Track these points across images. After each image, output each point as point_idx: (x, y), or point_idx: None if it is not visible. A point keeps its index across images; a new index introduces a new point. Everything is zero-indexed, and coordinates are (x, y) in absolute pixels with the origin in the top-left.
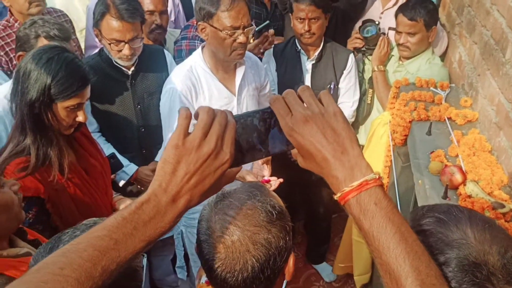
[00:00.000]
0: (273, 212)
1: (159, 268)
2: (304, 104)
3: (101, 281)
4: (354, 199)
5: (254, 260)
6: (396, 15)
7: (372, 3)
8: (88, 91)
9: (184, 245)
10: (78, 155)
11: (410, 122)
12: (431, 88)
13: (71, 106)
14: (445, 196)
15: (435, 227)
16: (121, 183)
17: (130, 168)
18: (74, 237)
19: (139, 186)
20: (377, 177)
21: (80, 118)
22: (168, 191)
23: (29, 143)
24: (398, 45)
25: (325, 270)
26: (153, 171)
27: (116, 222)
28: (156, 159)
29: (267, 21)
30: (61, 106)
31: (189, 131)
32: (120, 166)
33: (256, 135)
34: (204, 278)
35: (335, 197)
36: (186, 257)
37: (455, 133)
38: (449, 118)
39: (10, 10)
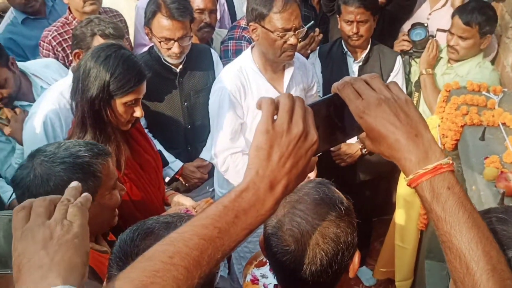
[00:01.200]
0: (342, 207)
1: None
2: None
3: (208, 269)
4: (427, 182)
5: (323, 253)
6: (452, 15)
7: (419, 4)
8: (144, 87)
9: None
10: (133, 150)
11: (462, 126)
12: (483, 92)
13: (128, 101)
14: (501, 203)
15: (497, 225)
16: (167, 179)
17: (175, 164)
18: (158, 222)
19: (183, 182)
20: (451, 162)
21: (137, 113)
22: (265, 177)
23: (89, 139)
24: (448, 46)
25: (364, 274)
26: (198, 167)
27: (218, 211)
28: (201, 156)
29: (312, 21)
30: (120, 102)
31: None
32: (166, 162)
33: (332, 111)
34: (249, 277)
35: (406, 179)
36: None
37: (510, 139)
38: (503, 124)
39: (69, 8)
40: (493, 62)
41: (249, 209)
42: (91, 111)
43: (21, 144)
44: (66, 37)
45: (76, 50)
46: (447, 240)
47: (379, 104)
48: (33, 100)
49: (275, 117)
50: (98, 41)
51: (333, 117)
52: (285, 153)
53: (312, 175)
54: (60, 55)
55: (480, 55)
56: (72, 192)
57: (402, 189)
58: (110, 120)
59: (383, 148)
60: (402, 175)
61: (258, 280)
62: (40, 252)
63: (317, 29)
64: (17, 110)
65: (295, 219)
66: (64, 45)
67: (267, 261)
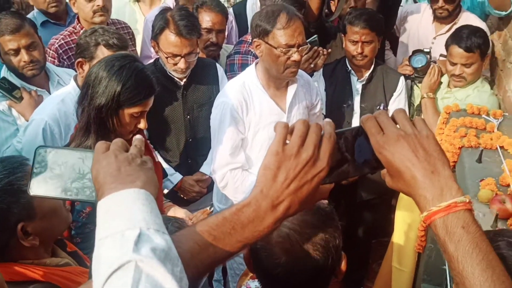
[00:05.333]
0: (325, 212)
1: None
2: (398, 125)
3: (197, 272)
4: (440, 220)
5: (313, 260)
6: (447, 45)
7: (424, 28)
8: (152, 100)
9: None
10: None
11: (459, 148)
12: (483, 116)
13: (135, 113)
14: (494, 226)
15: (507, 251)
16: (165, 191)
17: (175, 177)
18: None
19: (182, 195)
20: (467, 200)
21: (141, 125)
22: (268, 196)
23: (90, 144)
24: (453, 75)
25: None
26: (197, 181)
27: (217, 220)
28: (201, 170)
29: (315, 36)
30: (127, 112)
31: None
32: (165, 174)
33: (343, 143)
34: None
35: (421, 216)
36: (223, 271)
37: (507, 162)
38: (501, 147)
39: (77, 18)
40: (491, 85)
41: (247, 224)
42: (97, 118)
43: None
44: (73, 45)
45: (79, 59)
46: (460, 282)
47: (397, 140)
48: (49, 91)
49: (289, 141)
50: (102, 51)
51: (350, 150)
52: (290, 176)
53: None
54: (66, 63)
55: (479, 79)
56: (140, 142)
57: (401, 210)
58: (115, 129)
59: (401, 185)
60: (401, 195)
61: None
62: (126, 167)
63: (330, 50)
64: (33, 92)
65: (283, 230)
66: (70, 54)
67: None
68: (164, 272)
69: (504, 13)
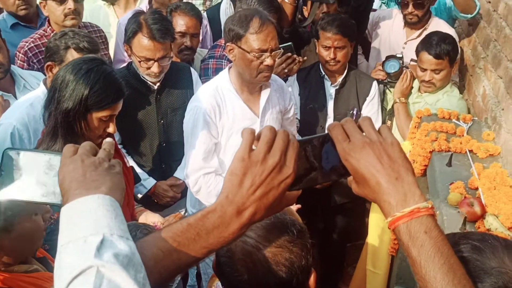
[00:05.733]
0: (294, 231)
1: None
2: (364, 133)
3: (159, 278)
4: (404, 225)
5: (276, 281)
6: (418, 52)
7: (395, 33)
8: (120, 104)
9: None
10: None
11: (430, 152)
12: (453, 120)
13: (103, 117)
14: (463, 228)
15: (471, 254)
16: (139, 196)
17: (148, 181)
18: None
19: (155, 200)
20: (430, 206)
21: (110, 129)
22: (234, 202)
23: (57, 149)
24: (423, 81)
25: None
26: (171, 186)
27: (182, 227)
28: (175, 175)
29: (290, 43)
30: (95, 116)
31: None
32: (138, 179)
33: (310, 150)
34: None
35: (385, 221)
36: (198, 276)
37: (476, 166)
38: (471, 151)
39: (48, 21)
40: (461, 90)
41: (212, 230)
42: (65, 122)
43: None
44: (43, 49)
45: (49, 63)
46: (422, 286)
47: (363, 147)
48: (15, 95)
49: (255, 147)
50: (72, 54)
51: (318, 157)
52: (256, 182)
53: (294, 208)
54: (35, 66)
55: (449, 84)
56: (110, 145)
57: (375, 213)
58: (83, 133)
59: (366, 191)
60: None
61: None
62: (92, 172)
63: (305, 58)
64: None
65: (246, 248)
66: (40, 57)
67: None
68: (126, 278)
69: (469, 16)
